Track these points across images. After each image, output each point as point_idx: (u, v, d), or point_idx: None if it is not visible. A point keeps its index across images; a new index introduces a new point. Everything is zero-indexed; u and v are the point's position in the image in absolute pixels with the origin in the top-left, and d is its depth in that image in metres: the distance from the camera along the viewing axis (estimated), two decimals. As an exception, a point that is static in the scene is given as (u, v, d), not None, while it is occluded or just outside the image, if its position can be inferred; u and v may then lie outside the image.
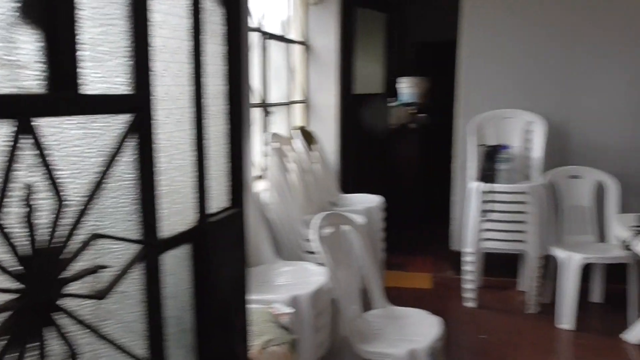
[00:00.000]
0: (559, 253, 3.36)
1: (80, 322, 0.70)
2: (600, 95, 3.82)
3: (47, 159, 0.64)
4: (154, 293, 0.84)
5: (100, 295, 0.73)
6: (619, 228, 2.86)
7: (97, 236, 0.72)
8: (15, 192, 0.60)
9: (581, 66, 3.81)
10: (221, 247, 1.05)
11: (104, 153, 0.74)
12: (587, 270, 3.55)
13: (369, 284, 2.58)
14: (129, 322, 0.81)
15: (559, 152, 3.85)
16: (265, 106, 3.29)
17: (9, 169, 0.59)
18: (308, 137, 3.49)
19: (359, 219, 2.92)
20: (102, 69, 0.75)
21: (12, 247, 0.61)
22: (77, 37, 0.68)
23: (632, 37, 3.72)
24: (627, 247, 2.55)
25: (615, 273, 3.40)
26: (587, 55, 3.79)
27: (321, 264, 2.29)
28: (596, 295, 3.66)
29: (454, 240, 4.15)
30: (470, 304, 3.61)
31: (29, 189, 0.61)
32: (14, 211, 0.61)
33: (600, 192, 3.59)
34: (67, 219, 0.68)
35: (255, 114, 3.22)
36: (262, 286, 2.25)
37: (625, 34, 3.73)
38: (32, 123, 0.62)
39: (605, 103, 3.82)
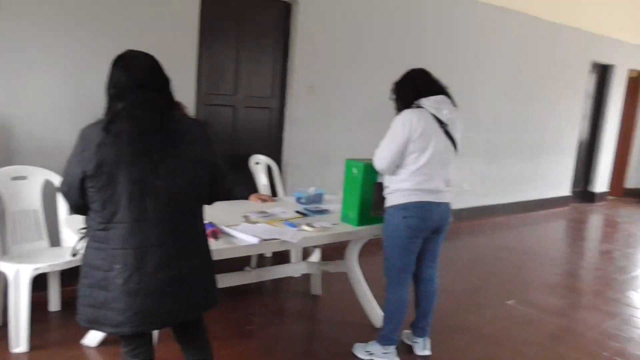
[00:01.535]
0: (4, 266, 2.90)
1: None
2: (40, 88, 3.52)
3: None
4: None
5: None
6: (67, 231, 2.67)
7: None
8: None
9: (18, 52, 3.40)
10: None
11: None
12: (44, 279, 3.25)
13: None
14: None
15: (2, 150, 3.36)
16: None
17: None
18: None
19: None
20: None
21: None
22: None
23: (70, 28, 3.58)
24: (74, 254, 2.37)
25: (73, 275, 3.23)
26: (27, 39, 3.42)
27: None
28: (54, 303, 3.41)
29: None
30: None
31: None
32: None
33: (52, 193, 3.33)
34: None
35: None
36: None
37: (70, 23, 3.56)
38: None
39: (46, 96, 3.55)
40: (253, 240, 2.60)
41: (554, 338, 3.51)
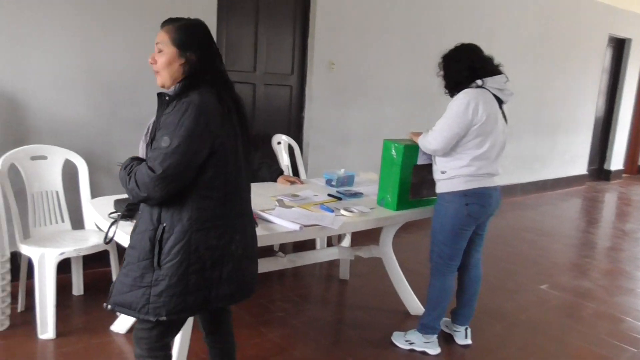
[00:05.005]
0: (29, 250, 2.78)
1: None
2: (53, 59, 3.29)
3: None
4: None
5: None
6: (97, 216, 2.53)
7: None
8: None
9: (28, 18, 3.17)
10: None
11: None
12: (67, 262, 3.14)
13: None
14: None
15: (15, 128, 3.20)
16: None
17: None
18: None
19: None
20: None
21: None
22: None
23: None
24: (108, 241, 2.23)
25: (96, 258, 3.12)
26: (39, 5, 3.21)
27: None
28: (78, 288, 3.30)
29: None
30: None
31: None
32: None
33: (72, 173, 3.19)
34: None
35: None
36: None
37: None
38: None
39: (60, 69, 3.32)
40: (294, 226, 2.45)
41: (592, 324, 3.41)
